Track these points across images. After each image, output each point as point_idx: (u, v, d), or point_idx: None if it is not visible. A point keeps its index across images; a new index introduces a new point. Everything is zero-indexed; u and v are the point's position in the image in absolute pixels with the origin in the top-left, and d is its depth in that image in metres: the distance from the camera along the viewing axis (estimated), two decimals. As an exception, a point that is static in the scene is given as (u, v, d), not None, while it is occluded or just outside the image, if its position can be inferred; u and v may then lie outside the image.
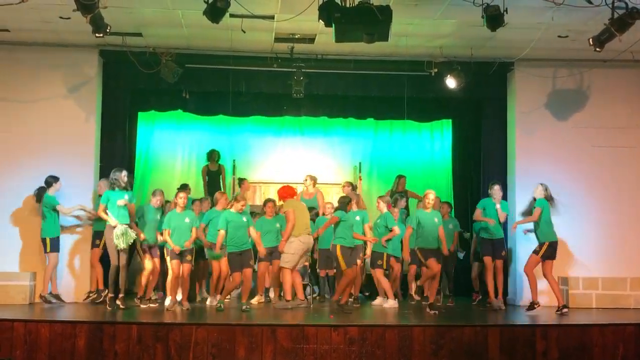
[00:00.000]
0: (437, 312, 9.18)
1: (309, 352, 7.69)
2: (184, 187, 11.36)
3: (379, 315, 9.36)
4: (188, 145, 13.64)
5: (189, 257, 9.50)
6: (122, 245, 9.26)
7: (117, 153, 11.12)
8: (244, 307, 9.25)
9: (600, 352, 7.97)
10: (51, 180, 10.07)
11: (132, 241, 9.41)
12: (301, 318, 8.73)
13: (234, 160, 13.20)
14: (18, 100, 10.58)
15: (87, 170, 10.55)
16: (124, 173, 9.59)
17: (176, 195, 9.63)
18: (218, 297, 9.92)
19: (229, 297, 10.21)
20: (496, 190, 10.17)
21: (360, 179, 13.10)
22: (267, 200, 10.50)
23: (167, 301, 9.56)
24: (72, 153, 10.56)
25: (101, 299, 9.76)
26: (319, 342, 7.72)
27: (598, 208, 11.04)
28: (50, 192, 10.02)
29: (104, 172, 10.37)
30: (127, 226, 9.36)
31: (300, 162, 13.52)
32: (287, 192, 10.09)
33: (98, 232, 10.06)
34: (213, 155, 12.48)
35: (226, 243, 9.33)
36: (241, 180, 11.94)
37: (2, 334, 7.75)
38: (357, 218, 10.01)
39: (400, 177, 12.13)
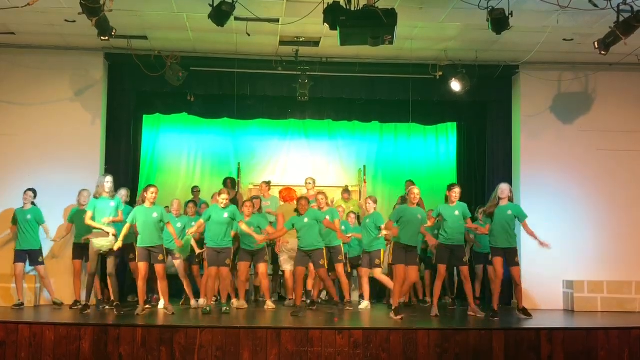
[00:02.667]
0: (438, 315, 9.12)
1: (313, 355, 7.68)
2: (192, 190, 11.58)
3: (384, 318, 9.34)
4: (193, 148, 13.71)
5: (160, 257, 9.16)
6: (105, 248, 9.11)
7: (122, 156, 11.18)
8: (223, 308, 9.21)
9: (606, 355, 7.93)
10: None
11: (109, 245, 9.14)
12: (306, 321, 8.73)
13: (239, 163, 13.24)
14: (24, 103, 10.63)
15: (92, 173, 10.53)
16: (108, 179, 9.33)
17: (146, 190, 9.25)
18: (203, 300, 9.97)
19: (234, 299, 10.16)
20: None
21: (365, 182, 13.10)
22: (246, 200, 10.16)
23: (161, 304, 9.56)
24: (78, 155, 10.60)
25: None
26: (323, 345, 7.71)
27: (603, 211, 11.03)
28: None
29: (109, 174, 10.34)
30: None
31: (305, 164, 13.59)
32: (288, 195, 10.19)
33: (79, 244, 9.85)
34: (227, 184, 11.93)
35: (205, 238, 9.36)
36: (267, 183, 11.80)
37: (8, 337, 7.76)
38: (327, 217, 9.96)
39: (407, 182, 12.19)
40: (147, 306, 9.31)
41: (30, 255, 9.94)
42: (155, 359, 7.68)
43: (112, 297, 9.40)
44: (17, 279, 9.85)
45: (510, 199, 9.34)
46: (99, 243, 9.10)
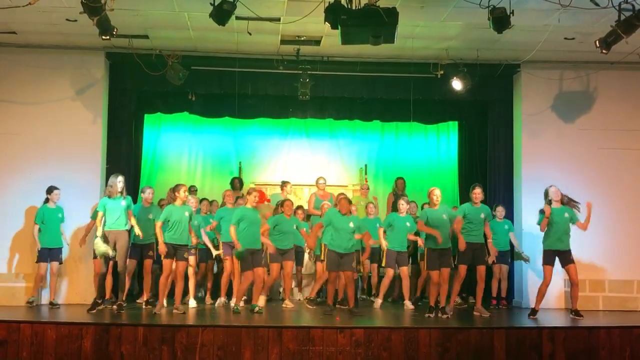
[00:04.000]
0: (448, 316, 9.02)
1: (315, 354, 7.69)
2: (191, 191, 11.53)
3: (385, 317, 9.34)
4: (194, 147, 13.72)
5: (185, 255, 9.30)
6: (102, 251, 9.11)
7: (123, 155, 11.17)
8: (256, 308, 9.21)
9: (608, 354, 7.94)
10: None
11: (109, 252, 9.11)
12: (307, 320, 8.73)
13: (240, 162, 13.25)
14: (25, 102, 10.62)
15: (93, 172, 10.58)
16: (119, 179, 9.32)
17: (177, 190, 9.33)
18: (223, 298, 9.97)
19: (244, 297, 9.99)
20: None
21: (367, 181, 13.10)
22: (285, 200, 10.18)
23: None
24: (79, 155, 10.59)
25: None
26: (325, 344, 7.72)
27: (604, 210, 10.97)
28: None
29: (110, 173, 10.35)
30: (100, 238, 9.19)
31: (306, 164, 13.59)
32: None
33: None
34: (235, 184, 12.12)
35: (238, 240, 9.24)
36: (284, 184, 11.59)
37: (9, 336, 7.77)
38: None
39: (397, 179, 12.20)
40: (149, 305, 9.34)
41: (52, 252, 9.92)
42: (156, 358, 7.70)
43: (119, 296, 9.40)
44: (38, 278, 9.85)
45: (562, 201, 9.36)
46: (100, 249, 9.12)
